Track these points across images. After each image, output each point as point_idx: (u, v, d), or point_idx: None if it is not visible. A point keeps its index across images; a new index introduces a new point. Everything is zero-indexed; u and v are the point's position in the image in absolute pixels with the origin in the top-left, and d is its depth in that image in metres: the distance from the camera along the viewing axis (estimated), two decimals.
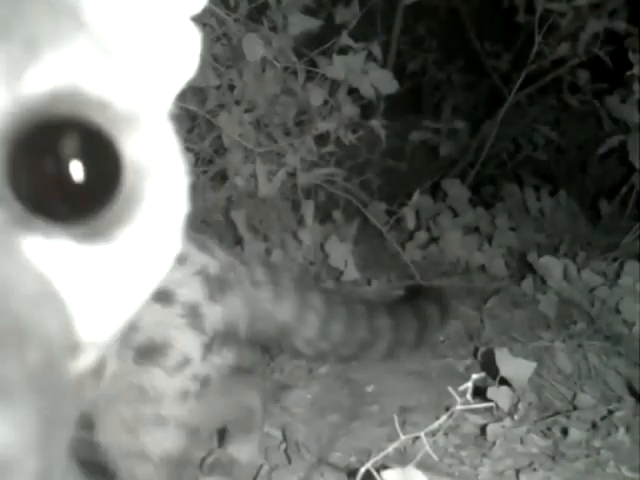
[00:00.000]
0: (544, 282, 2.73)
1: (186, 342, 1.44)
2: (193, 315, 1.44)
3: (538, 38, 3.13)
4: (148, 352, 1.41)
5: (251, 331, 1.62)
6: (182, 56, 0.46)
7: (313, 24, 2.49)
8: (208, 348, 1.46)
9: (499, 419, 1.98)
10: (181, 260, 1.46)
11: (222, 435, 1.83)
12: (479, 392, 1.94)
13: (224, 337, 1.49)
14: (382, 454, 1.12)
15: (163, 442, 1.44)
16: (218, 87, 2.51)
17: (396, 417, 1.91)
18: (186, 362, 1.43)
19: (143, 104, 0.40)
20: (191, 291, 1.45)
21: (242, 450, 1.79)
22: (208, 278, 1.48)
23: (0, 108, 0.36)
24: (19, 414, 0.32)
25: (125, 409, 1.42)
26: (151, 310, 1.41)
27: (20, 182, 0.36)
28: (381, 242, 2.94)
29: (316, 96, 2.50)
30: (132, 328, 1.39)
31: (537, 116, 3.84)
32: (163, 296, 1.43)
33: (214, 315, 1.47)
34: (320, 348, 1.86)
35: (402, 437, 1.11)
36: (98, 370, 1.37)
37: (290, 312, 1.75)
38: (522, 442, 1.93)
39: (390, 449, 1.11)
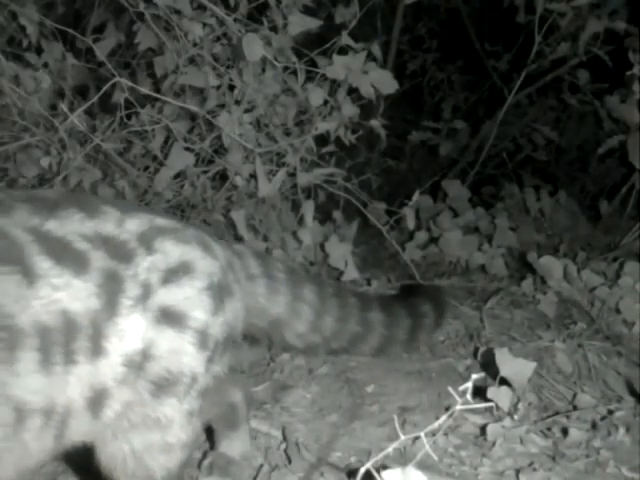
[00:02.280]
0: (544, 282, 2.73)
1: (195, 363, 1.42)
2: (202, 340, 1.42)
3: (538, 38, 3.13)
4: (166, 385, 1.39)
5: (244, 325, 1.61)
6: None
7: (313, 24, 2.49)
8: (210, 360, 1.45)
9: (499, 419, 1.98)
10: (188, 270, 1.42)
11: (211, 436, 1.83)
12: (479, 392, 1.94)
13: (224, 345, 1.48)
14: (382, 454, 1.12)
15: (167, 465, 1.45)
16: (218, 87, 2.52)
17: (396, 417, 1.93)
18: (194, 381, 1.43)
19: None
20: (202, 313, 1.42)
21: (233, 446, 1.78)
22: (214, 290, 1.45)
23: None
24: None
25: (137, 439, 1.41)
26: (165, 336, 1.38)
27: None
28: (381, 242, 2.94)
29: (316, 96, 2.50)
30: (147, 357, 1.36)
31: (537, 116, 3.84)
32: (176, 319, 1.39)
33: (217, 330, 1.45)
34: (311, 341, 1.86)
35: (402, 437, 1.11)
36: (96, 400, 1.34)
37: (283, 306, 1.74)
38: (522, 442, 1.92)
39: (390, 449, 1.11)
